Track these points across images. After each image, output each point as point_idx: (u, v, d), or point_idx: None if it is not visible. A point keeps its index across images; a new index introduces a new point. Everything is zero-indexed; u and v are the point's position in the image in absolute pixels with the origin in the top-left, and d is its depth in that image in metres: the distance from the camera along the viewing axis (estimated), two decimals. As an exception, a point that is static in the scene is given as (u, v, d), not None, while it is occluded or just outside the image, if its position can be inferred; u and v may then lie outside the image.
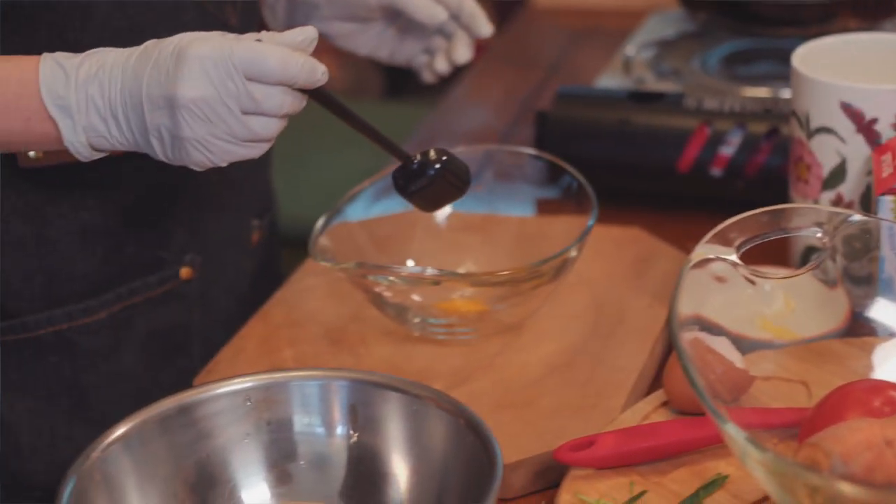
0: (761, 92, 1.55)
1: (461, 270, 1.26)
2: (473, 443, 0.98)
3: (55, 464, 1.20)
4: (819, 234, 1.03)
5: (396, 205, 1.26)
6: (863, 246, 1.04)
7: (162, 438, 1.02)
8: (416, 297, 1.17)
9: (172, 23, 1.13)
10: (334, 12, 1.30)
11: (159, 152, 1.02)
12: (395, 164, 1.26)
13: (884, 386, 0.98)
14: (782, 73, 1.56)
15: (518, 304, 1.17)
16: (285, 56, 0.99)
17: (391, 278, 1.13)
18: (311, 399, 1.05)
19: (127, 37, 1.11)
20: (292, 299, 1.28)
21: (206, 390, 1.04)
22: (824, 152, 1.19)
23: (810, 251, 1.22)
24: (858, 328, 1.06)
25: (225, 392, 1.04)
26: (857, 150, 1.18)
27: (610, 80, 1.63)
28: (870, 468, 0.87)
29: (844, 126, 1.17)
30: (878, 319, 1.06)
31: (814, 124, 1.19)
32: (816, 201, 1.21)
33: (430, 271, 1.13)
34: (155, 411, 1.02)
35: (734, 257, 0.99)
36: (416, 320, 1.18)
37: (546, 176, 1.27)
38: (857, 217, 1.02)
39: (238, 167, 1.27)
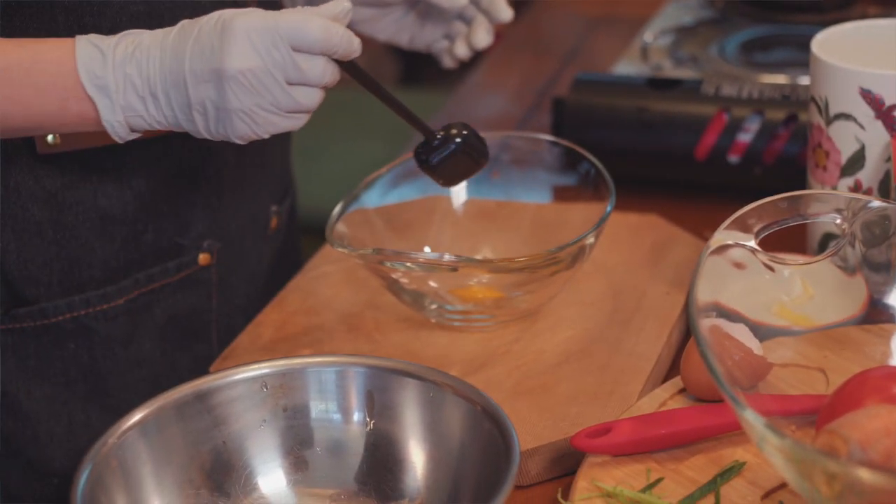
0: (779, 79, 1.54)
1: (478, 257, 1.26)
2: (490, 429, 0.98)
3: (73, 450, 1.20)
4: (838, 221, 1.02)
5: (413, 191, 1.26)
6: (882, 232, 1.03)
7: (178, 425, 1.02)
8: (432, 284, 1.17)
9: (190, 7, 1.13)
10: None
11: (201, 127, 1.03)
12: (409, 152, 1.26)
13: (902, 373, 0.97)
14: (800, 59, 1.56)
15: (535, 291, 1.17)
16: (327, 26, 1.01)
17: (408, 265, 1.13)
18: (328, 385, 1.05)
19: (144, 21, 1.12)
20: (309, 286, 1.28)
21: (223, 377, 1.04)
22: (843, 139, 1.19)
23: (829, 238, 1.22)
24: (877, 315, 1.06)
25: (241, 378, 1.04)
26: (876, 137, 1.17)
27: (627, 66, 1.63)
28: (888, 454, 0.87)
29: (863, 112, 1.17)
30: (896, 306, 1.06)
31: (833, 110, 1.18)
32: (835, 188, 1.20)
33: (447, 257, 1.13)
34: (171, 398, 1.02)
35: (753, 243, 0.99)
36: (433, 307, 1.18)
37: (563, 162, 1.27)
38: (877, 203, 1.01)
39: (258, 152, 1.27)
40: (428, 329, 1.20)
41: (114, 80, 1.02)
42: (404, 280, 1.16)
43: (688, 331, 1.21)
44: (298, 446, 1.04)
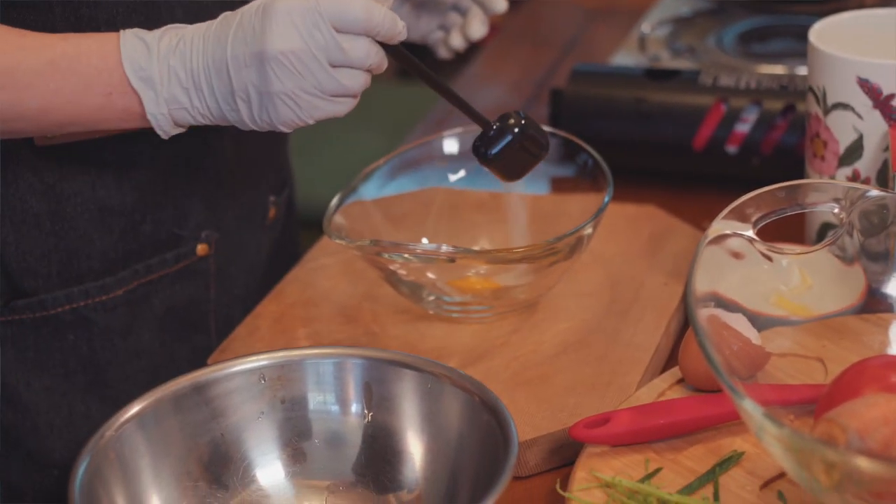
0: (777, 69, 1.54)
1: (476, 248, 1.26)
2: (488, 420, 0.98)
3: (73, 441, 1.20)
4: (836, 210, 1.02)
5: (411, 183, 1.26)
6: (880, 221, 1.03)
7: (176, 417, 1.02)
8: (430, 275, 1.16)
9: (189, 2, 1.13)
10: None
11: (246, 116, 1.02)
12: (406, 144, 1.26)
13: (901, 362, 0.97)
14: (798, 50, 1.56)
15: (533, 282, 1.17)
16: (369, 5, 1.00)
17: (406, 256, 1.13)
18: (326, 377, 1.05)
19: (141, 11, 1.11)
20: (307, 278, 1.28)
21: (221, 369, 1.04)
22: (841, 128, 1.18)
23: (827, 227, 1.22)
24: (875, 304, 1.06)
25: (239, 370, 1.04)
26: (873, 126, 1.17)
27: (625, 57, 1.63)
28: (886, 443, 0.87)
29: (861, 102, 1.17)
30: (894, 296, 1.06)
31: (830, 100, 1.18)
32: (833, 178, 1.20)
33: (444, 248, 1.13)
34: (169, 390, 1.02)
35: (751, 233, 0.99)
36: (431, 298, 1.18)
37: (561, 154, 1.27)
38: (875, 192, 1.01)
39: (256, 143, 1.27)
40: (426, 321, 1.20)
41: (158, 73, 1.02)
42: (402, 271, 1.16)
43: (686, 321, 1.21)
44: (296, 438, 1.04)
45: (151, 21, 1.12)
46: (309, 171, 2.11)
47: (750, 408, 0.86)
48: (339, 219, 1.19)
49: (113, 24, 1.11)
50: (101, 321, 1.20)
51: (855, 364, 0.97)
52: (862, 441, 0.87)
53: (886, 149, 1.17)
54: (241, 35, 1.00)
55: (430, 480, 1.01)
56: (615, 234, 1.29)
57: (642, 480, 0.98)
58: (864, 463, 0.82)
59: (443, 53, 1.33)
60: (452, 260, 1.13)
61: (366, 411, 1.04)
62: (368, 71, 1.03)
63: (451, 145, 1.28)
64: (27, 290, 1.17)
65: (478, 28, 1.29)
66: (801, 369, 1.04)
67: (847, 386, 0.95)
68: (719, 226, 0.98)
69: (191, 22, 1.13)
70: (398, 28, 1.02)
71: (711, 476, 0.98)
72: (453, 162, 1.26)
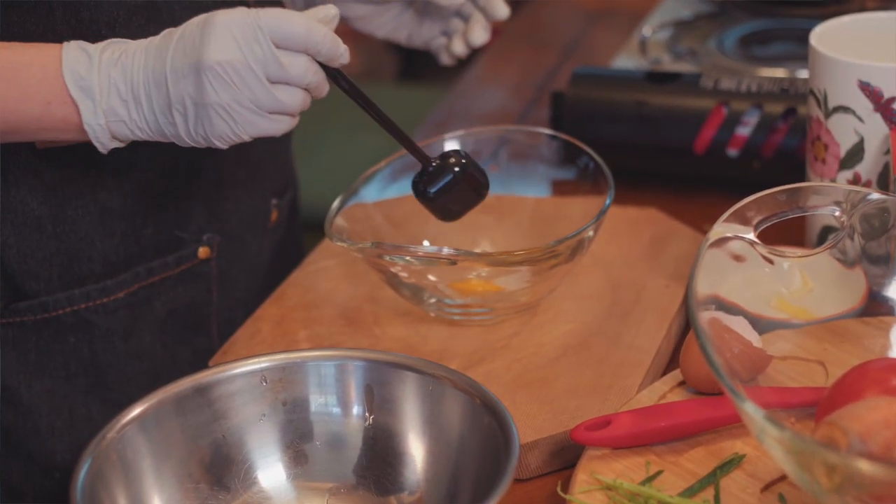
0: (778, 72, 1.54)
1: (477, 251, 1.26)
2: (490, 423, 0.98)
3: (74, 444, 1.20)
4: (837, 213, 1.02)
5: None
6: (881, 224, 1.03)
7: (178, 419, 1.02)
8: (431, 278, 1.17)
9: (189, 4, 1.13)
10: None
11: (182, 129, 1.02)
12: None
13: (902, 365, 0.98)
14: (799, 53, 1.56)
15: (534, 285, 1.17)
16: (310, 23, 1.00)
17: (407, 258, 1.13)
18: (327, 379, 1.05)
19: (143, 15, 1.12)
20: (308, 280, 1.28)
21: (222, 371, 1.04)
22: (842, 131, 1.19)
23: (828, 230, 1.22)
24: (876, 307, 1.06)
25: (241, 372, 1.04)
26: (875, 130, 1.17)
27: (626, 60, 1.63)
28: (888, 446, 0.87)
29: (862, 105, 1.17)
30: (895, 298, 1.06)
31: (831, 103, 1.18)
32: (834, 181, 1.20)
33: (446, 251, 1.13)
34: (170, 392, 1.02)
35: (752, 236, 0.99)
36: (432, 301, 1.18)
37: (562, 156, 1.27)
38: (876, 195, 1.01)
39: (257, 145, 1.27)
40: (427, 323, 1.20)
41: (98, 83, 1.01)
42: (403, 274, 1.16)
43: (687, 324, 1.21)
44: (298, 440, 1.04)
45: (152, 22, 1.12)
46: (310, 174, 2.11)
47: (751, 410, 0.86)
48: (340, 221, 1.19)
49: (113, 26, 1.11)
50: (102, 323, 1.20)
51: (856, 367, 0.97)
52: (863, 444, 0.87)
53: (887, 152, 1.17)
54: (182, 47, 1.00)
55: (431, 482, 1.01)
56: (616, 237, 1.29)
57: (643, 483, 0.98)
58: (865, 466, 0.82)
59: (445, 60, 1.33)
60: (454, 262, 1.13)
61: (367, 413, 1.04)
62: (307, 91, 1.02)
63: (451, 147, 1.28)
64: (28, 292, 1.18)
65: (479, 34, 1.29)
66: (802, 372, 1.04)
67: (848, 389, 0.95)
68: (720, 229, 0.98)
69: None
70: (339, 50, 1.02)
71: (712, 479, 0.98)
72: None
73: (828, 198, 1.02)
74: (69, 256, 1.17)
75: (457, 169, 1.12)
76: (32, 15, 1.09)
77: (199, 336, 1.27)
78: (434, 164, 1.12)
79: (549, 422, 1.06)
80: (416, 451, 1.02)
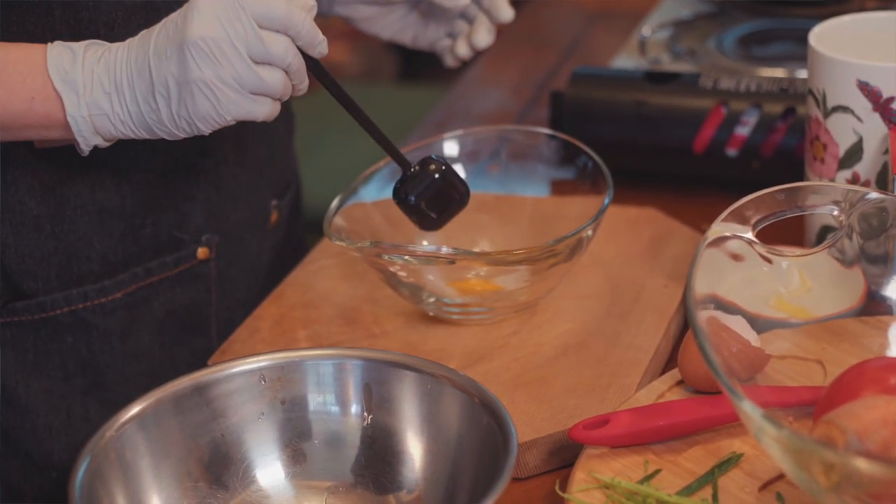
0: (777, 72, 1.54)
1: (476, 250, 1.26)
2: (488, 422, 0.98)
3: (72, 443, 1.20)
4: (835, 213, 1.02)
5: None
6: (879, 224, 1.03)
7: (176, 418, 1.02)
8: (430, 277, 1.17)
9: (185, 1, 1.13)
10: None
11: (164, 114, 1.02)
12: (406, 146, 1.26)
13: (900, 364, 0.97)
14: (798, 53, 1.56)
15: (533, 284, 1.17)
16: (290, 7, 1.02)
17: (406, 257, 1.13)
18: (326, 378, 1.05)
19: (141, 15, 1.12)
20: (307, 280, 1.28)
21: (221, 369, 1.04)
22: (841, 131, 1.19)
23: (826, 230, 1.22)
24: (874, 307, 1.06)
25: (239, 371, 1.04)
26: (873, 129, 1.17)
27: (625, 60, 1.63)
28: (886, 445, 0.87)
29: (861, 105, 1.17)
30: (894, 298, 1.06)
31: (830, 103, 1.18)
32: (832, 181, 1.20)
33: (444, 250, 1.13)
34: (169, 391, 1.02)
35: (750, 235, 0.99)
36: (431, 300, 1.18)
37: (561, 156, 1.27)
38: (874, 195, 1.01)
39: (257, 145, 1.27)
40: (426, 322, 1.20)
41: (82, 77, 1.02)
42: (402, 273, 1.16)
43: (686, 323, 1.21)
44: (296, 439, 1.04)
45: (151, 23, 1.12)
46: (309, 174, 2.11)
47: (749, 409, 0.86)
48: (339, 220, 1.19)
49: (112, 26, 1.11)
50: (100, 324, 1.20)
51: (854, 366, 0.97)
52: (861, 443, 0.87)
53: (886, 151, 1.17)
54: (165, 32, 1.02)
55: (429, 481, 1.01)
56: (615, 237, 1.29)
57: (641, 482, 0.98)
58: (863, 464, 0.82)
59: (449, 62, 1.33)
60: (452, 262, 1.13)
61: (365, 412, 1.04)
62: (287, 75, 1.03)
63: (450, 147, 1.28)
64: (26, 291, 1.17)
65: (483, 37, 1.29)
66: (800, 371, 1.04)
67: (846, 388, 0.95)
68: (719, 228, 0.98)
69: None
70: (318, 38, 1.04)
71: (710, 477, 0.98)
72: (452, 164, 1.26)
73: (826, 197, 1.02)
74: (67, 256, 1.17)
75: (437, 175, 1.13)
76: (31, 15, 1.09)
77: (198, 337, 1.27)
78: (413, 168, 1.13)
79: (547, 421, 1.06)
80: (414, 449, 1.02)
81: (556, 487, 1.01)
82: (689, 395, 1.07)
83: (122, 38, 1.10)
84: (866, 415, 0.88)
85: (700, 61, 1.60)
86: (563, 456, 1.05)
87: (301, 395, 1.05)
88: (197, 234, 1.24)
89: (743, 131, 1.39)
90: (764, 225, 1.00)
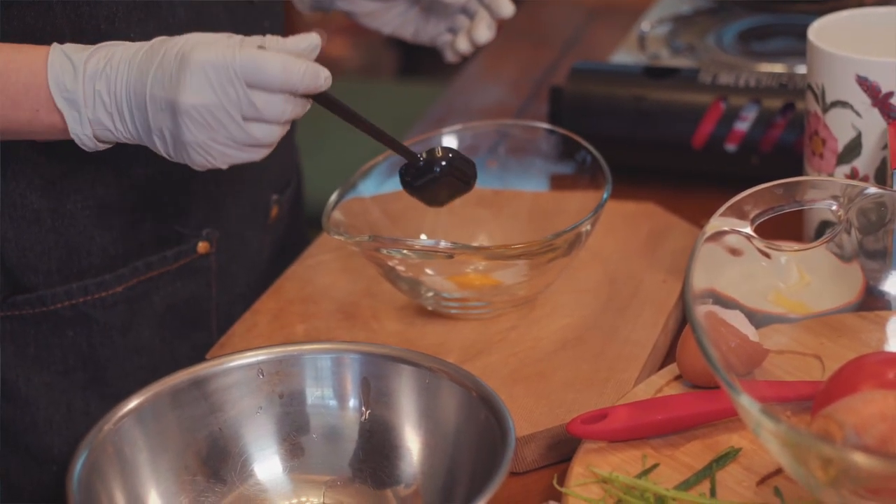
0: (776, 67, 1.54)
1: (475, 244, 1.26)
2: (486, 416, 0.98)
3: (72, 437, 1.20)
4: (834, 208, 1.02)
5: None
6: (878, 219, 1.03)
7: (174, 411, 1.02)
8: (429, 271, 1.17)
9: (189, 2, 1.13)
10: None
11: (162, 150, 1.03)
12: (405, 141, 1.26)
13: (898, 359, 0.97)
14: (798, 48, 1.56)
15: (532, 279, 1.17)
16: (287, 63, 0.99)
17: (405, 252, 1.13)
18: (324, 372, 1.05)
19: (142, 10, 1.11)
20: (305, 274, 1.28)
21: (219, 363, 1.04)
22: (840, 126, 1.19)
23: (825, 225, 1.22)
24: (873, 302, 1.06)
25: (238, 365, 1.04)
26: (872, 124, 1.17)
27: (625, 56, 1.63)
28: (884, 439, 0.87)
29: (860, 100, 1.17)
30: (892, 293, 1.06)
31: (829, 98, 1.18)
32: (831, 176, 1.20)
33: (443, 244, 1.13)
34: (167, 384, 1.02)
35: (749, 230, 0.99)
36: (430, 295, 1.18)
37: (560, 151, 1.27)
38: (873, 189, 1.01)
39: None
40: (425, 317, 1.20)
41: (83, 94, 1.02)
42: (401, 268, 1.16)
43: (684, 318, 1.21)
44: (294, 433, 1.05)
45: (152, 18, 1.12)
46: (311, 169, 2.11)
47: (747, 404, 0.86)
48: (338, 215, 1.19)
49: (112, 21, 1.11)
50: (101, 318, 1.20)
51: (852, 361, 0.97)
52: (859, 437, 0.87)
53: (885, 146, 1.17)
54: (160, 77, 1.00)
55: (427, 475, 1.01)
56: (614, 232, 1.29)
57: (639, 476, 0.98)
58: (860, 459, 0.82)
59: (450, 57, 1.33)
60: (451, 256, 1.13)
61: (363, 406, 1.04)
62: (286, 124, 1.02)
63: (449, 142, 1.28)
64: (27, 285, 1.18)
65: (484, 32, 1.29)
66: (798, 366, 1.04)
67: (844, 382, 0.95)
68: (717, 222, 0.98)
69: (193, 22, 1.14)
70: (320, 81, 1.01)
71: (708, 472, 0.98)
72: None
73: (825, 192, 1.02)
74: (68, 250, 1.17)
75: (443, 163, 1.13)
76: (32, 10, 1.09)
77: (199, 331, 1.27)
78: (422, 159, 1.13)
79: (545, 415, 1.06)
80: (412, 444, 1.02)
81: (554, 482, 1.01)
82: (687, 390, 1.07)
83: (123, 32, 1.10)
84: (864, 409, 0.88)
85: (699, 57, 1.60)
86: (562, 450, 1.05)
87: (299, 390, 1.05)
88: (197, 229, 1.24)
89: (742, 126, 1.39)
90: (762, 220, 1.00)
